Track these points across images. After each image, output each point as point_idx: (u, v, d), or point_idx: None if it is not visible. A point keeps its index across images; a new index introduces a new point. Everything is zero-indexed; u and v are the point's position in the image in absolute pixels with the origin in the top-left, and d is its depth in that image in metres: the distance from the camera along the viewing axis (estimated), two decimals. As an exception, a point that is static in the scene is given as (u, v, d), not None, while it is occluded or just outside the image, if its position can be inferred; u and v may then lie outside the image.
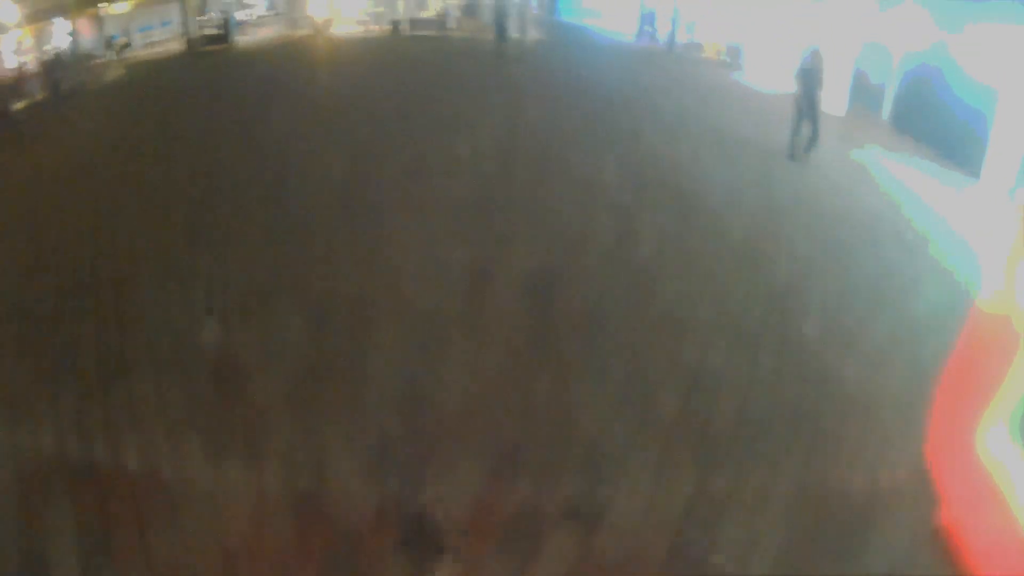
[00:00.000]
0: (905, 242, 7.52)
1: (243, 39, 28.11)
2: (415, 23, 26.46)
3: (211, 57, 25.11)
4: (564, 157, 10.06)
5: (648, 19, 29.72)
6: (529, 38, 18.68)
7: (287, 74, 19.60)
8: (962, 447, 2.62)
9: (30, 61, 27.71)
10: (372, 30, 28.76)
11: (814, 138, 10.57)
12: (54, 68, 20.15)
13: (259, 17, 33.59)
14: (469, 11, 29.98)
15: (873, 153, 11.71)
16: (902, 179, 10.12)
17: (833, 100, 18.51)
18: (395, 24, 26.58)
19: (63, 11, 27.72)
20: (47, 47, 26.98)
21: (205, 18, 27.99)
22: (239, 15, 32.27)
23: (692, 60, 24.88)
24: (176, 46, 29.45)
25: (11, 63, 26.13)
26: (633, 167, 9.85)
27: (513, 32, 23.67)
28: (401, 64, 19.22)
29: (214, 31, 26.96)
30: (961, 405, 2.69)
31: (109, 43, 28.92)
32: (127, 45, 28.85)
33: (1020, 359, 2.33)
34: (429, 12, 27.04)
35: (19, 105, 17.31)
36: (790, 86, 11.25)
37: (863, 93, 18.25)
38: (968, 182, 9.44)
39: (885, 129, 15.23)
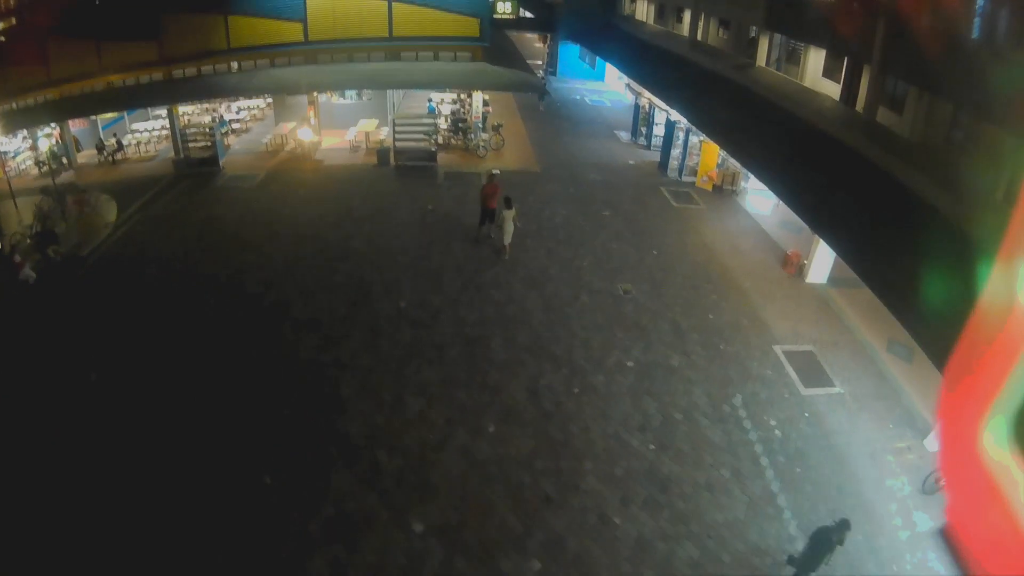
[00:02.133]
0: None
1: (230, 158, 29.42)
2: (401, 153, 27.54)
3: (202, 188, 26.52)
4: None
5: (647, 120, 30.83)
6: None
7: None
8: (967, 446, 3.31)
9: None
10: (359, 145, 29.97)
11: None
12: (44, 237, 21.16)
13: (247, 120, 35.11)
14: (456, 125, 31.12)
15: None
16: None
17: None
18: (382, 154, 27.67)
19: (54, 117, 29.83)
20: (41, 151, 28.92)
21: (194, 127, 29.37)
22: (226, 113, 33.88)
23: (682, 192, 26.30)
24: (166, 146, 31.21)
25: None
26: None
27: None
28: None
29: (202, 151, 28.34)
30: (966, 404, 3.41)
31: (100, 145, 30.73)
32: (118, 148, 30.52)
33: (1022, 359, 2.94)
34: (417, 132, 27.86)
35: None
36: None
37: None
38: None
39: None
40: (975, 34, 14.81)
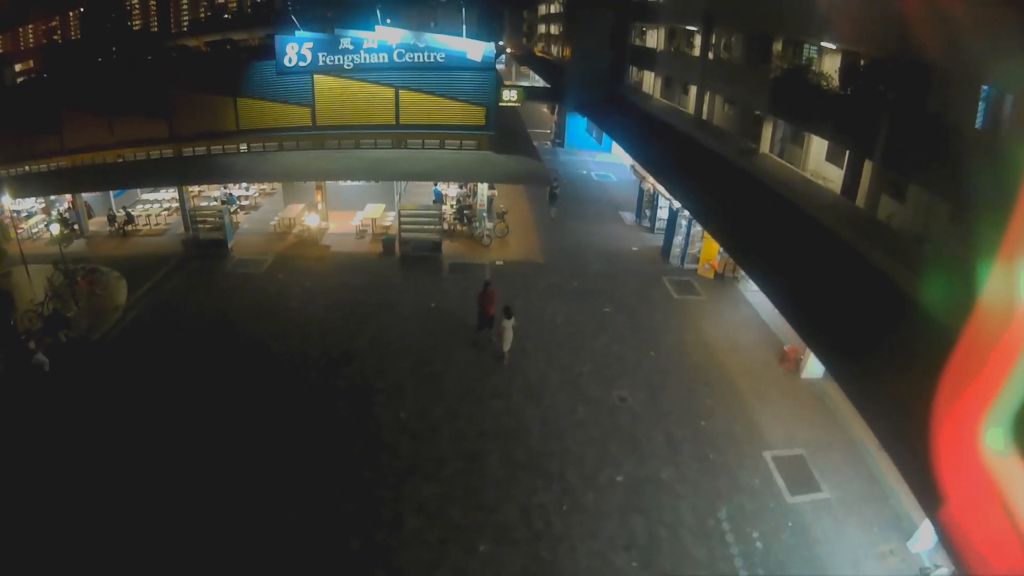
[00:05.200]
0: None
1: (239, 240, 31.65)
2: (407, 243, 29.66)
3: (210, 272, 28.75)
4: None
5: (651, 203, 32.79)
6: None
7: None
8: (967, 445, 3.74)
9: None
10: (365, 231, 32.14)
11: None
12: (55, 325, 22.98)
13: (256, 196, 37.55)
14: (461, 212, 33.27)
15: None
16: None
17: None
18: (387, 242, 29.78)
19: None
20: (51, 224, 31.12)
21: (204, 208, 31.60)
22: (235, 190, 36.30)
23: (684, 282, 28.07)
24: (176, 219, 33.52)
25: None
26: None
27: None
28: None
29: (211, 232, 30.50)
30: (965, 404, 3.84)
31: (112, 217, 33.05)
32: (128, 220, 32.79)
33: (1022, 359, 3.42)
34: (422, 221, 29.94)
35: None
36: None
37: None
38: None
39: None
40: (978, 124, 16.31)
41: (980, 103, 16.71)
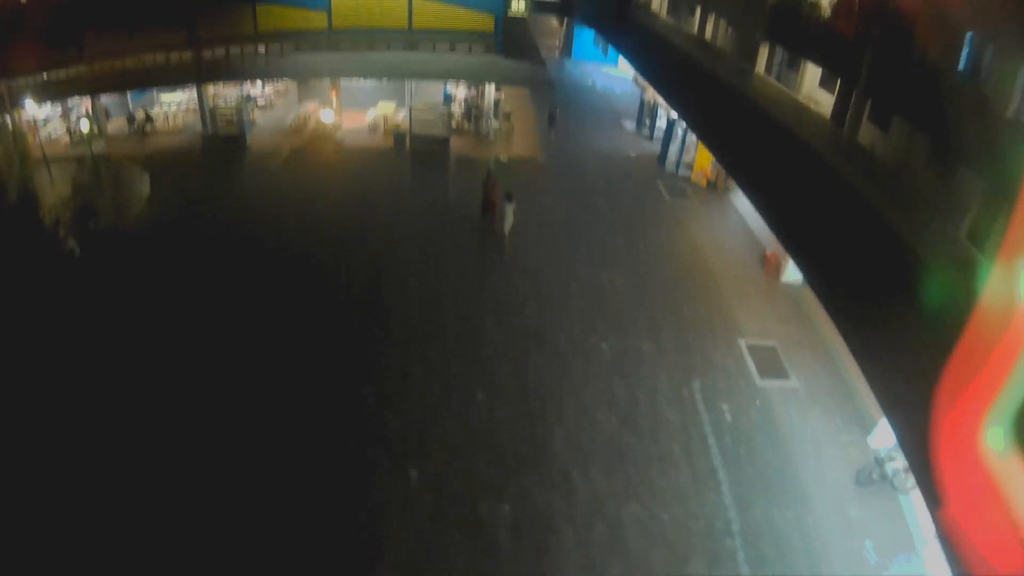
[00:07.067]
0: None
1: (256, 136, 32.45)
2: (417, 138, 30.60)
3: (229, 166, 29.78)
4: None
5: (651, 113, 33.43)
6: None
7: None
8: (966, 445, 3.60)
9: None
10: (377, 127, 33.00)
11: None
12: (84, 216, 23.67)
13: (271, 97, 38.03)
14: (469, 112, 33.98)
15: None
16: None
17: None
18: (398, 137, 30.70)
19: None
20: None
21: (223, 107, 32.25)
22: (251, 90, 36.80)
23: (677, 187, 29.02)
24: (193, 119, 34.18)
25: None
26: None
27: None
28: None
29: (229, 128, 31.26)
30: (965, 404, 3.70)
31: (131, 118, 33.59)
32: (147, 120, 33.31)
33: (1022, 359, 3.26)
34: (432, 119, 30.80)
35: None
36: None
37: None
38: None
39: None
40: (960, 67, 16.89)
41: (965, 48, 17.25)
